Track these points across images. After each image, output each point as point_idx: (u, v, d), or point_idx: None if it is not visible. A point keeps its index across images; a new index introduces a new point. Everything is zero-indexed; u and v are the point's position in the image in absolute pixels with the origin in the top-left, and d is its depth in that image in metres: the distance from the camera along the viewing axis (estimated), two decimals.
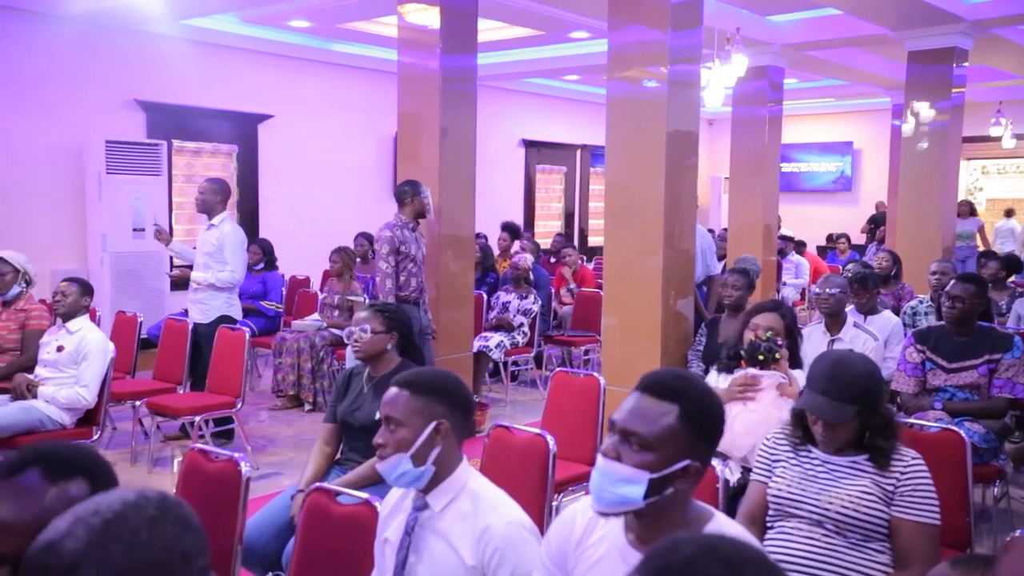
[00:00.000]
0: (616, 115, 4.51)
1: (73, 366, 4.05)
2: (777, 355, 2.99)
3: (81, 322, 4.19)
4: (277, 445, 5.30)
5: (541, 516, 2.77)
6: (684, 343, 4.48)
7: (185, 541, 1.01)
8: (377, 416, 2.90)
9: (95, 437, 4.15)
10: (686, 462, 1.48)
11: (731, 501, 2.53)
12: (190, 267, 5.43)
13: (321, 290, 7.24)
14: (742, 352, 3.10)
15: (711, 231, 10.78)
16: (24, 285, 4.51)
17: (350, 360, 5.49)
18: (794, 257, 9.24)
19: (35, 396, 3.98)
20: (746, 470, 2.74)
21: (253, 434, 5.35)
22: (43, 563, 0.95)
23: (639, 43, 4.33)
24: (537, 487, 2.85)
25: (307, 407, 6.08)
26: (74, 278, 4.33)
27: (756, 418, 2.86)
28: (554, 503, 3.02)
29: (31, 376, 4.09)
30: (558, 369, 4.00)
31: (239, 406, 4.80)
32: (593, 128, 11.78)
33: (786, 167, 12.13)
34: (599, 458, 1.53)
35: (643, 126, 4.36)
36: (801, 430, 2.22)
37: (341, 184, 9.20)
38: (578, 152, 12.28)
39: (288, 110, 8.65)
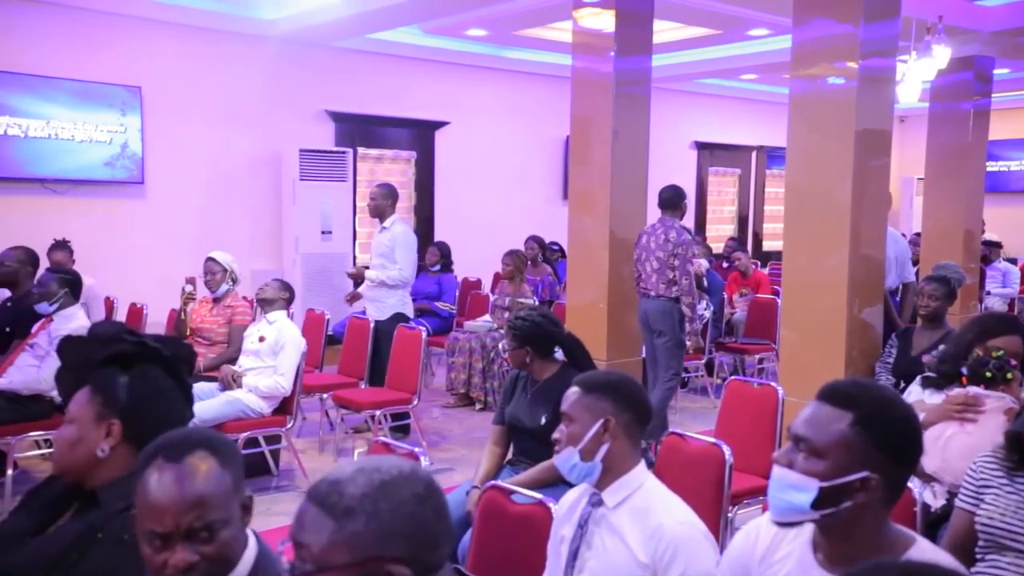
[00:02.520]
0: (799, 114, 4.29)
1: (272, 356, 4.39)
2: (1009, 375, 2.67)
3: (279, 315, 4.54)
4: (449, 441, 5.48)
5: (716, 528, 2.69)
6: (871, 354, 4.19)
7: (437, 528, 1.08)
8: (543, 420, 2.99)
9: (289, 425, 4.48)
10: (863, 473, 1.40)
11: (929, 528, 2.33)
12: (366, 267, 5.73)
13: (492, 292, 7.43)
14: (963, 369, 2.82)
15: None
16: (231, 283, 4.95)
17: None
18: (1001, 264, 8.41)
19: (240, 385, 4.35)
20: (954, 496, 2.51)
21: (426, 430, 5.57)
22: (327, 496, 1.05)
23: (827, 37, 4.10)
24: (712, 498, 2.76)
25: (478, 406, 6.25)
26: (278, 279, 4.75)
27: (975, 442, 2.57)
28: (729, 515, 2.92)
29: (235, 367, 4.48)
30: (733, 378, 3.87)
31: (415, 403, 5.02)
32: (770, 128, 11.31)
33: (992, 166, 11.05)
34: (773, 465, 1.50)
35: (829, 125, 4.12)
36: (1017, 454, 2.01)
37: (512, 188, 9.40)
38: (753, 154, 11.83)
39: (463, 116, 8.95)
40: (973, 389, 2.69)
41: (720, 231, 11.52)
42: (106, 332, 1.82)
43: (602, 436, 1.87)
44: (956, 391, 2.73)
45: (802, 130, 4.27)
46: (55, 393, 4.01)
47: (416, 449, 2.69)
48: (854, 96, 4.00)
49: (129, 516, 1.58)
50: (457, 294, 7.50)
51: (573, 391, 1.94)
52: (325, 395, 5.22)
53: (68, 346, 1.87)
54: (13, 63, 6.39)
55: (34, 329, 4.22)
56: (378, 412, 4.89)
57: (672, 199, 5.11)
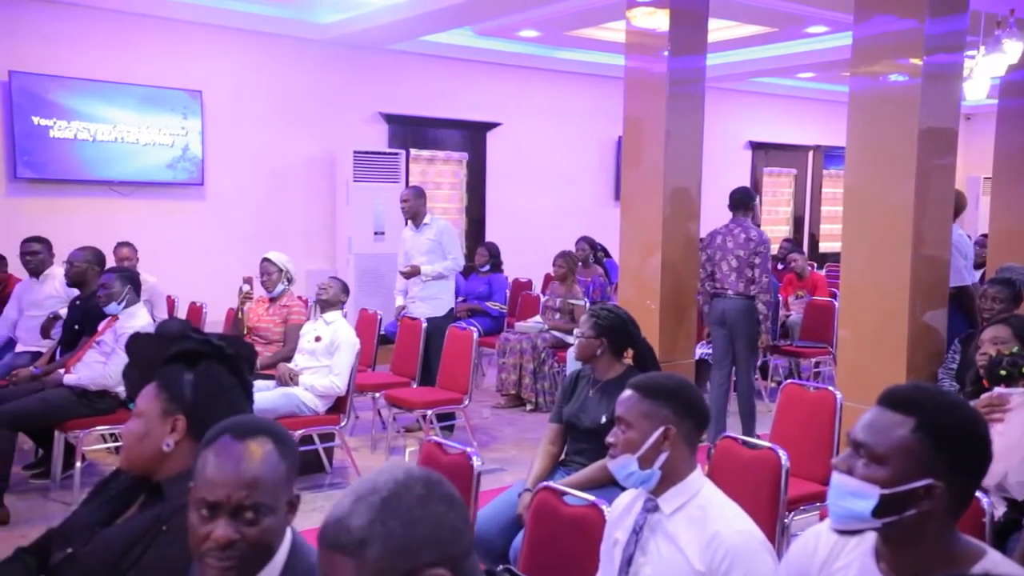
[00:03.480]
0: (859, 113, 4.19)
1: (328, 356, 4.46)
2: None
3: (336, 315, 4.62)
4: (500, 442, 5.50)
5: (772, 534, 2.64)
6: (934, 359, 4.07)
7: (452, 516, 1.07)
8: (603, 420, 2.97)
9: (342, 424, 4.54)
10: (927, 481, 1.35)
11: (997, 538, 2.25)
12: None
13: (543, 292, 7.43)
14: (981, 373, 2.78)
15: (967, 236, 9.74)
16: (287, 283, 5.04)
17: (571, 363, 5.61)
18: None
19: (296, 383, 4.43)
20: (1012, 504, 2.43)
21: (477, 430, 5.59)
22: (336, 538, 1.04)
23: (890, 34, 3.99)
24: (767, 503, 2.72)
25: (528, 407, 6.25)
26: (337, 277, 4.83)
27: (1007, 442, 2.50)
28: (786, 521, 2.87)
29: (291, 365, 4.56)
30: (789, 381, 3.80)
31: (466, 402, 5.04)
32: (828, 128, 11.09)
33: None
34: (832, 471, 1.46)
35: (891, 124, 4.02)
36: None
37: (563, 188, 9.39)
38: (810, 153, 11.61)
39: (514, 117, 8.96)
40: (997, 390, 2.62)
41: (775, 232, 11.31)
42: (173, 330, 1.87)
43: (662, 444, 1.82)
44: (982, 396, 2.67)
45: (862, 129, 4.17)
46: (120, 389, 4.14)
47: (468, 449, 2.71)
48: (918, 93, 3.89)
49: None
50: (508, 294, 7.52)
51: (630, 395, 1.89)
52: (377, 394, 5.28)
53: (136, 343, 1.93)
54: (84, 70, 6.62)
55: (100, 327, 4.36)
56: (429, 412, 4.93)
57: (744, 200, 5.28)
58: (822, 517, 2.95)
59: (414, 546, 1.03)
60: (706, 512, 1.80)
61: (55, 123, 6.51)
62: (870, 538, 1.48)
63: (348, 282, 5.21)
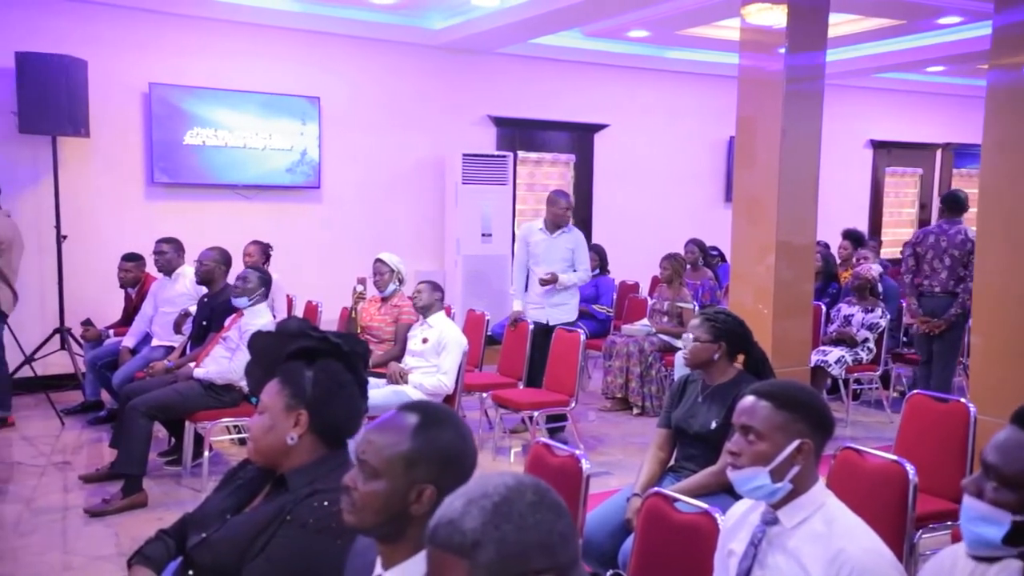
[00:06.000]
0: (997, 108, 3.93)
1: (435, 356, 4.55)
2: None
3: (439, 317, 4.69)
4: (606, 445, 5.45)
5: (899, 552, 2.50)
6: None
7: (561, 525, 1.07)
8: (713, 425, 2.89)
9: None
10: None
11: None
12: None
13: (650, 295, 7.32)
14: None
15: None
16: (398, 283, 5.16)
17: (678, 367, 5.50)
18: None
19: (407, 382, 4.53)
20: None
21: (583, 433, 5.56)
22: (448, 539, 1.06)
23: None
24: (892, 519, 2.58)
25: (635, 411, 6.17)
26: (428, 280, 4.89)
27: None
28: (914, 540, 2.72)
29: (402, 365, 4.67)
30: (916, 391, 3.60)
31: (573, 405, 5.02)
32: (959, 124, 10.46)
33: None
34: (963, 493, 1.39)
35: None
36: None
37: (672, 190, 9.23)
38: (938, 152, 10.97)
39: (623, 119, 8.88)
40: None
41: (897, 235, 10.76)
42: (292, 328, 1.94)
43: (795, 458, 1.74)
44: None
45: (1001, 125, 3.91)
46: (244, 383, 4.34)
47: (577, 451, 2.69)
48: None
49: (313, 501, 1.69)
50: (615, 297, 7.45)
51: (762, 405, 1.79)
52: (485, 394, 5.33)
53: (258, 340, 2.01)
54: (212, 79, 7.00)
55: (227, 323, 4.59)
56: (536, 413, 4.93)
57: (958, 203, 5.57)
58: (954, 538, 2.78)
59: (526, 552, 1.03)
60: (831, 528, 1.71)
61: (187, 131, 6.90)
62: (1017, 564, 1.37)
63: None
